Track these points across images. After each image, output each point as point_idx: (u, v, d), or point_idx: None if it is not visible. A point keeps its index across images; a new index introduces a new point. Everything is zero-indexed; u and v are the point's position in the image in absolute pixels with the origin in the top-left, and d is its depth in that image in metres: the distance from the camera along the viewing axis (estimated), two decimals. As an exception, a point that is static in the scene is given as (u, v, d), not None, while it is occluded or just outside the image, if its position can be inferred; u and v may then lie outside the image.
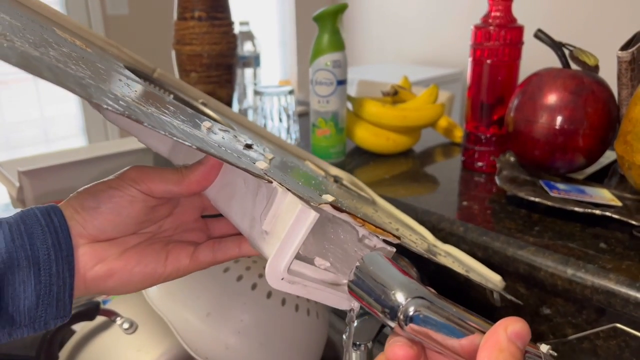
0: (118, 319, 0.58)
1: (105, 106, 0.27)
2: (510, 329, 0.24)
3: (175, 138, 0.29)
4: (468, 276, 0.45)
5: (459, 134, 0.92)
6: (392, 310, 0.27)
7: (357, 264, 0.30)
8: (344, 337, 0.45)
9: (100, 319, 0.59)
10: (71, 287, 0.33)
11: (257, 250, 0.33)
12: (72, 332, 0.60)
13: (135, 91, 0.38)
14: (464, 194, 0.74)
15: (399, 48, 3.14)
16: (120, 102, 0.30)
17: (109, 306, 0.61)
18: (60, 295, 0.33)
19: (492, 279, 0.52)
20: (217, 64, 1.04)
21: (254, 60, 1.15)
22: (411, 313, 0.27)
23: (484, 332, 0.26)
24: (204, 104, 0.55)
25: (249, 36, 1.15)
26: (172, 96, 0.53)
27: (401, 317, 0.27)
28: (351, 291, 0.30)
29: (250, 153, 0.39)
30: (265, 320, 0.56)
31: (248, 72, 1.16)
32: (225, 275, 0.57)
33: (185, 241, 0.40)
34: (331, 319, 0.79)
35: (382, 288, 0.28)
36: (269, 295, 0.56)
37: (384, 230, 0.32)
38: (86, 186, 0.36)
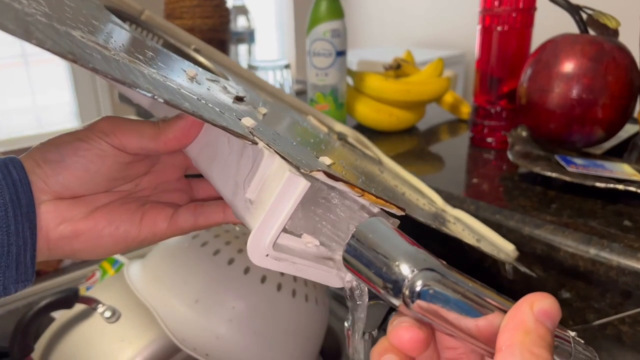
0: (99, 306, 0.54)
1: (48, 47, 0.22)
2: (537, 307, 0.20)
3: (138, 89, 0.24)
4: (479, 247, 0.40)
5: (465, 110, 0.87)
6: (396, 285, 0.23)
7: (353, 231, 0.25)
8: (346, 324, 0.41)
9: (79, 307, 0.54)
10: (33, 248, 0.30)
11: (241, 220, 0.29)
12: (49, 322, 0.55)
13: (107, 33, 0.33)
14: (473, 171, 0.69)
15: (399, 30, 3.08)
16: (76, 43, 0.25)
17: (90, 293, 0.56)
18: (20, 257, 0.29)
19: (504, 248, 0.48)
20: (209, 39, 0.99)
21: (248, 36, 1.10)
22: (418, 288, 0.22)
23: (505, 311, 0.21)
24: (197, 51, 0.50)
25: (242, 10, 1.09)
26: (161, 41, 0.48)
27: (406, 292, 0.22)
28: (346, 264, 0.25)
29: (240, 107, 0.34)
30: (260, 307, 0.51)
31: (242, 48, 1.10)
32: (215, 258, 0.52)
33: (164, 202, 0.36)
34: (332, 305, 0.74)
35: (383, 259, 0.24)
36: (264, 279, 0.52)
37: (386, 201, 0.27)
38: (51, 137, 0.32)
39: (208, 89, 0.34)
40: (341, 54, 0.75)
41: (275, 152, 0.26)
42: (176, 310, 0.50)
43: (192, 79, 0.34)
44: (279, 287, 0.52)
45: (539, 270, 0.54)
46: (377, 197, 0.27)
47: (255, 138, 0.27)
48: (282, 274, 0.53)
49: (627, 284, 0.46)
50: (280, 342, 0.53)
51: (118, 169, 0.33)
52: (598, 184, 0.55)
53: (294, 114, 0.50)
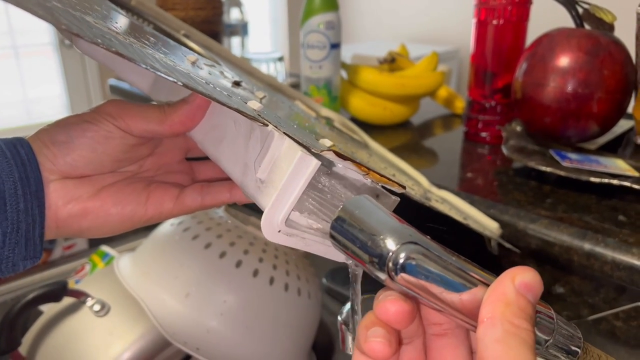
0: (88, 299, 0.53)
1: (76, 32, 0.23)
2: (518, 280, 0.20)
3: (158, 73, 0.25)
4: (467, 224, 0.41)
5: (460, 105, 0.87)
6: (381, 259, 0.23)
7: (340, 208, 0.25)
8: (339, 318, 0.40)
9: (68, 300, 0.53)
10: (41, 226, 0.31)
11: (251, 199, 0.30)
12: (37, 316, 0.54)
13: (111, 19, 0.33)
14: (468, 165, 0.69)
15: (393, 25, 3.07)
16: (94, 30, 0.26)
17: (79, 286, 0.55)
18: (29, 234, 0.30)
19: (489, 226, 0.50)
20: (202, 31, 0.97)
21: (241, 29, 1.09)
22: (402, 260, 0.22)
23: (488, 286, 0.21)
24: (186, 36, 0.50)
25: (236, 3, 1.08)
26: (151, 26, 0.47)
27: (391, 265, 0.22)
28: (333, 240, 0.26)
29: (240, 91, 0.35)
30: (251, 301, 0.51)
31: (235, 41, 1.09)
32: (207, 251, 0.51)
33: (169, 183, 0.37)
34: (324, 300, 0.74)
35: (368, 234, 0.24)
36: (256, 273, 0.51)
37: (388, 179, 0.28)
38: (58, 119, 0.33)
39: (209, 74, 0.35)
40: (335, 46, 0.74)
41: (285, 133, 0.27)
42: (166, 304, 0.49)
43: (193, 63, 0.35)
44: (271, 280, 0.52)
45: (533, 265, 0.54)
46: (380, 175, 0.28)
47: (265, 120, 0.28)
48: (274, 267, 0.53)
49: (622, 279, 0.46)
50: (272, 336, 0.52)
51: (123, 150, 0.33)
52: (593, 179, 0.55)
53: (283, 98, 0.50)
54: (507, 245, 0.49)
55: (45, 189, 0.31)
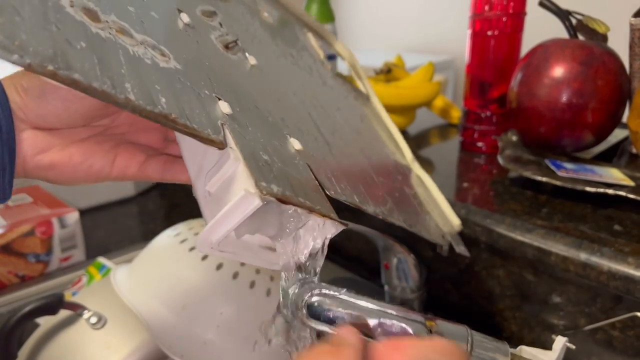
0: (85, 312, 0.52)
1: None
2: None
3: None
4: (414, 231, 0.43)
5: (456, 115, 0.87)
6: None
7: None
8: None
9: (64, 313, 0.53)
10: (11, 172, 0.31)
11: (198, 202, 0.32)
12: (33, 329, 0.54)
13: None
14: (464, 175, 0.69)
15: (389, 35, 3.09)
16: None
17: (75, 299, 0.55)
18: None
19: (452, 220, 0.53)
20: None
21: (238, 40, 1.09)
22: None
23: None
24: None
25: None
26: None
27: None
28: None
29: (230, 56, 0.34)
30: (248, 313, 0.50)
31: (232, 51, 1.09)
32: (204, 263, 0.51)
33: (139, 144, 0.37)
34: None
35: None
36: (252, 284, 0.51)
37: (332, 219, 0.31)
38: None
39: (197, 42, 0.33)
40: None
41: (240, 157, 0.28)
42: (163, 316, 0.49)
43: (186, 26, 0.33)
44: (268, 292, 0.52)
45: (530, 275, 0.54)
46: (323, 214, 0.30)
47: (225, 137, 0.29)
48: (271, 279, 0.53)
49: (618, 289, 0.46)
50: (269, 348, 0.52)
51: (96, 109, 0.33)
52: (588, 189, 0.55)
53: (294, 30, 0.49)
54: (459, 249, 0.50)
55: (16, 137, 0.31)
